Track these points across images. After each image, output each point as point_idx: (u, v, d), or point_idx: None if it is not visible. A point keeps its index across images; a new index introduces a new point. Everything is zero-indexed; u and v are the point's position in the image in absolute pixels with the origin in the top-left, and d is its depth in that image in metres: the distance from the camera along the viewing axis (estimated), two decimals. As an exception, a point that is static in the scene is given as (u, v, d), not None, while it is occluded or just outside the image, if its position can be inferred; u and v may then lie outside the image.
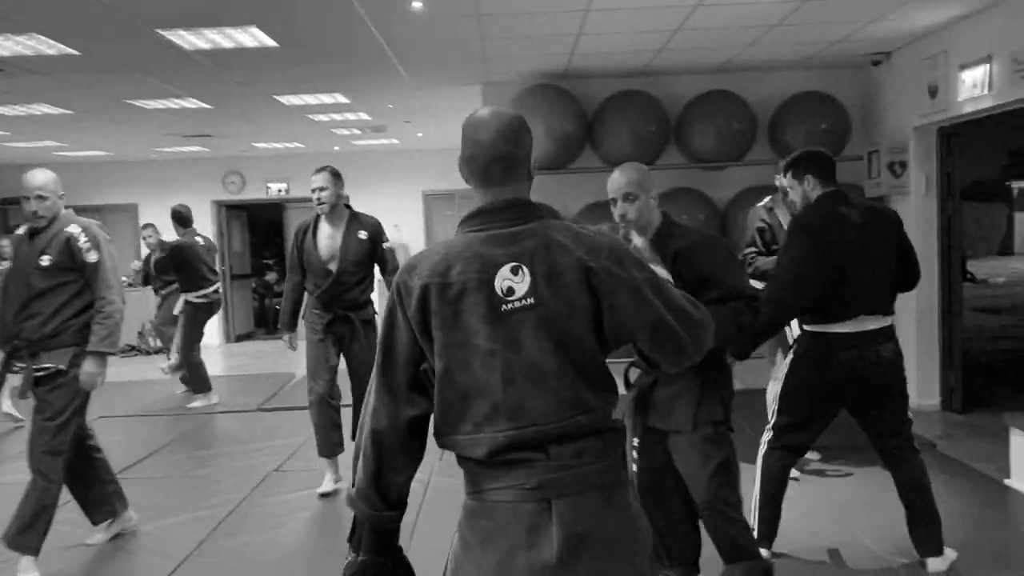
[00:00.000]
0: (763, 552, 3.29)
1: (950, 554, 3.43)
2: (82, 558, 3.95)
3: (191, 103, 7.55)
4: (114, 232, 8.56)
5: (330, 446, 4.78)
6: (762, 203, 5.03)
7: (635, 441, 3.03)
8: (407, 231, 12.13)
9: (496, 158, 1.72)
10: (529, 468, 1.63)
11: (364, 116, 8.77)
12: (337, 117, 8.83)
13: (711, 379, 2.85)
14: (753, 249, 4.83)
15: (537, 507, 1.62)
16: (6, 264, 9.51)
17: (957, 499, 4.31)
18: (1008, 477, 4.49)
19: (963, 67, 5.50)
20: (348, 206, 4.84)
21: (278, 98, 7.48)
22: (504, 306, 1.64)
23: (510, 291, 1.64)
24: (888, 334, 3.42)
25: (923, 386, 6.39)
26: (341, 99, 7.69)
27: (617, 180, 2.89)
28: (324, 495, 4.76)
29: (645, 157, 6.76)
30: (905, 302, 6.52)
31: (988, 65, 5.22)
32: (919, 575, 3.41)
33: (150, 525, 4.32)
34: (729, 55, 6.41)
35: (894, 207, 6.61)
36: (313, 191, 4.70)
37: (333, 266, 4.69)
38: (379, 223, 4.90)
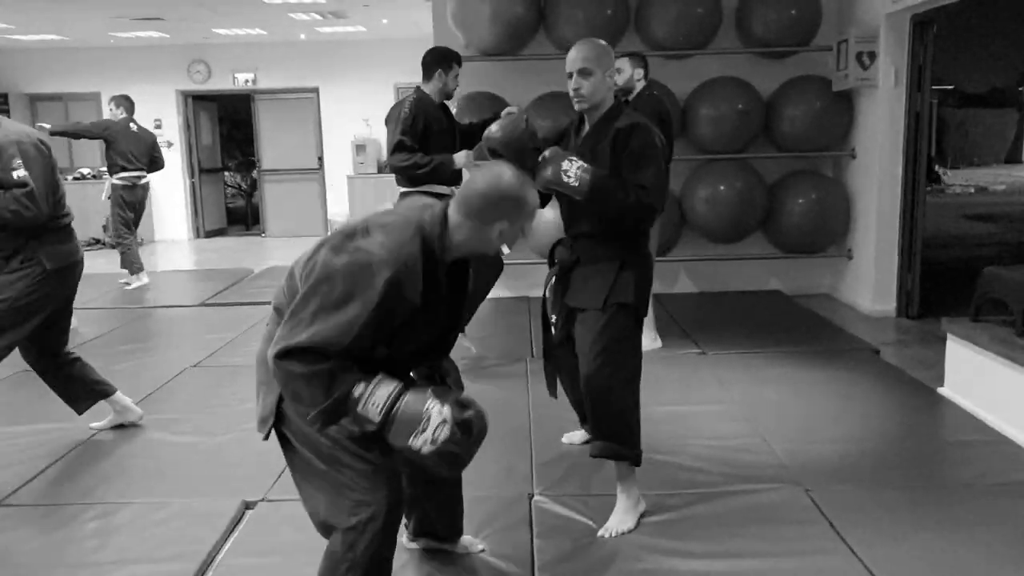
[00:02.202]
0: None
1: None
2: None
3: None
4: (77, 120, 8.28)
5: None
6: None
7: (553, 318, 3.07)
8: (378, 125, 11.70)
9: None
10: None
11: (318, -1, 8.29)
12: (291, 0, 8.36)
13: (629, 262, 2.88)
14: None
15: None
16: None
17: (890, 407, 4.13)
18: (942, 385, 4.28)
19: (936, -55, 5.05)
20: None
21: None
22: None
23: None
24: None
25: (880, 291, 6.15)
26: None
27: (573, 54, 2.86)
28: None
29: (601, 44, 6.35)
30: (866, 204, 6.24)
31: (960, -58, 4.78)
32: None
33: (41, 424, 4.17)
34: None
35: (862, 102, 6.28)
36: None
37: None
38: None
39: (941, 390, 4.26)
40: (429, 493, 2.59)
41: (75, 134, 7.94)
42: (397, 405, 1.94)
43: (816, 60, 6.50)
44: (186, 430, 4.01)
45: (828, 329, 5.67)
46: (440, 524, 2.69)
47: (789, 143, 6.52)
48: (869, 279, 6.21)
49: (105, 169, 8.15)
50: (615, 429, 2.89)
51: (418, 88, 4.61)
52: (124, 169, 7.59)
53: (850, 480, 3.28)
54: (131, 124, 7.60)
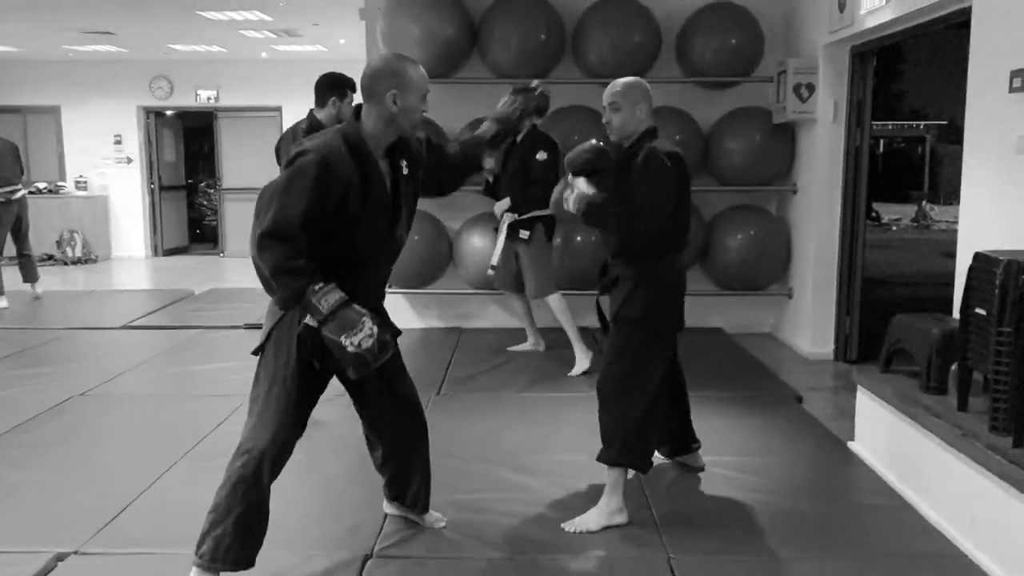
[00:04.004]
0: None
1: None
2: None
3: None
4: (36, 134, 8.07)
5: None
6: None
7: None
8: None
9: None
10: None
11: (262, 16, 8.10)
12: (236, 17, 8.17)
13: (642, 280, 3.10)
14: None
15: None
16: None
17: (793, 462, 3.85)
18: (853, 440, 4.01)
19: (868, -26, 4.84)
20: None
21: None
22: None
23: None
24: None
25: (818, 333, 5.89)
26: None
27: (607, 89, 3.15)
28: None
29: (534, 69, 6.14)
30: (805, 241, 6.00)
31: (889, -28, 4.57)
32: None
33: None
34: (627, -44, 5.72)
35: (802, 135, 6.06)
36: None
37: None
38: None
39: (852, 444, 3.99)
40: (400, 467, 2.95)
41: None
42: (343, 308, 2.37)
43: (759, 91, 6.28)
44: (37, 465, 3.74)
45: (757, 373, 5.41)
46: (408, 494, 2.98)
47: (729, 176, 6.28)
48: (808, 320, 5.95)
49: None
50: (614, 435, 3.08)
51: (311, 113, 4.39)
52: None
53: (726, 543, 3.00)
54: None
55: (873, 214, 14.16)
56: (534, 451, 3.92)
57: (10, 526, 3.16)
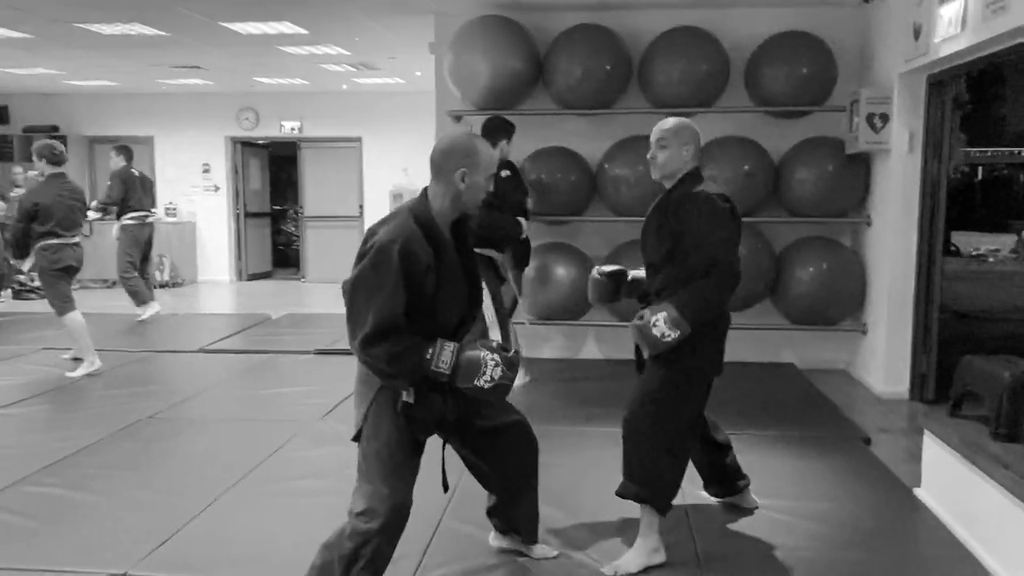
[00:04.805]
0: None
1: None
2: None
3: (147, 29, 7.27)
4: (135, 161, 8.63)
5: None
6: None
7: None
8: (417, 175, 11.69)
9: None
10: None
11: (340, 50, 8.32)
12: (315, 51, 8.42)
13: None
14: None
15: None
16: (19, 192, 9.68)
17: (853, 508, 3.67)
18: (919, 486, 3.81)
19: (943, 1, 4.66)
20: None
21: (228, 25, 7.10)
22: None
23: None
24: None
25: (892, 371, 5.65)
26: (299, 29, 7.27)
27: (657, 126, 3.11)
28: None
29: (601, 99, 6.14)
30: (880, 275, 5.78)
31: (964, -2, 4.39)
32: None
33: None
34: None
35: (877, 166, 5.86)
36: None
37: None
38: None
39: (918, 491, 3.79)
40: (509, 501, 2.98)
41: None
42: (459, 358, 2.47)
43: (832, 120, 6.10)
44: (97, 486, 3.87)
45: (824, 411, 5.21)
46: (519, 527, 3.03)
47: (800, 208, 6.11)
48: (882, 357, 5.71)
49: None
50: (641, 472, 3.02)
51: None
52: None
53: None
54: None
55: (952, 247, 13.56)
56: (576, 488, 3.85)
57: (65, 545, 3.26)
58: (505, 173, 5.23)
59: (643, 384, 3.09)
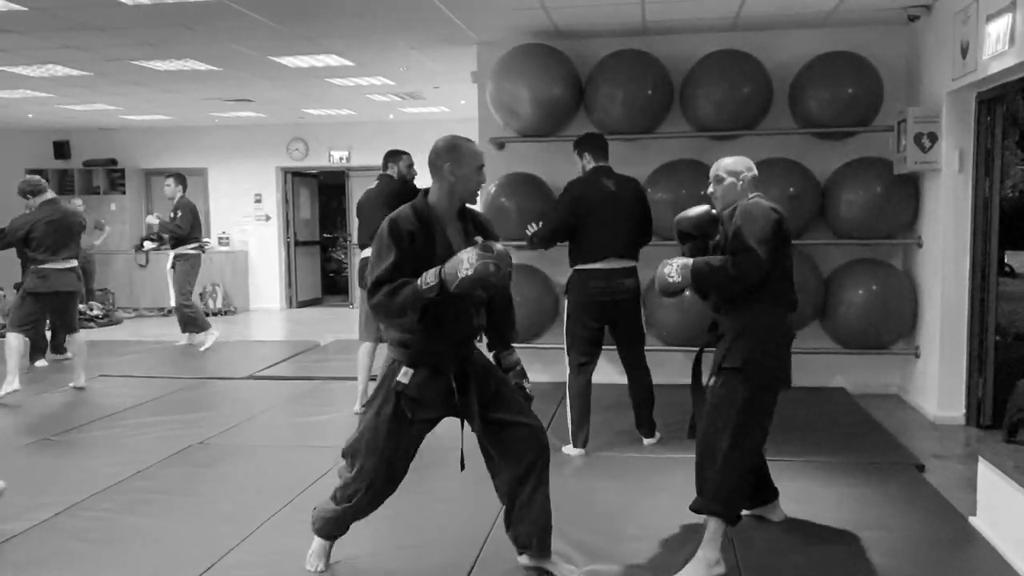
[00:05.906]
0: (575, 450, 4.73)
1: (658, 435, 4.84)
2: None
3: (200, 65, 7.49)
4: (190, 192, 8.95)
5: None
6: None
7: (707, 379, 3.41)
8: (463, 202, 11.80)
9: None
10: None
11: (386, 80, 8.47)
12: (361, 83, 8.58)
13: (744, 330, 3.17)
14: None
15: None
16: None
17: (905, 538, 3.57)
18: (975, 515, 3.70)
19: (990, 18, 4.58)
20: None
21: (277, 59, 7.28)
22: None
23: None
24: (629, 272, 4.72)
25: (947, 395, 5.50)
26: (345, 61, 7.42)
27: (715, 164, 3.41)
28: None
29: (643, 124, 6.15)
30: (932, 297, 5.66)
31: (1012, 14, 4.31)
32: None
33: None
34: (736, 7, 5.66)
35: (926, 186, 5.76)
36: None
37: None
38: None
39: (973, 520, 3.68)
40: (511, 506, 3.07)
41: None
42: (442, 267, 2.77)
43: (879, 140, 6.02)
44: (147, 512, 3.95)
45: (876, 437, 5.09)
46: (531, 540, 3.06)
47: (848, 229, 6.02)
48: (935, 381, 5.57)
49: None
50: (711, 486, 3.12)
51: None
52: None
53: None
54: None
55: (1007, 267, 13.19)
56: (628, 515, 3.81)
57: (117, 569, 3.33)
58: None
59: (714, 397, 3.20)
